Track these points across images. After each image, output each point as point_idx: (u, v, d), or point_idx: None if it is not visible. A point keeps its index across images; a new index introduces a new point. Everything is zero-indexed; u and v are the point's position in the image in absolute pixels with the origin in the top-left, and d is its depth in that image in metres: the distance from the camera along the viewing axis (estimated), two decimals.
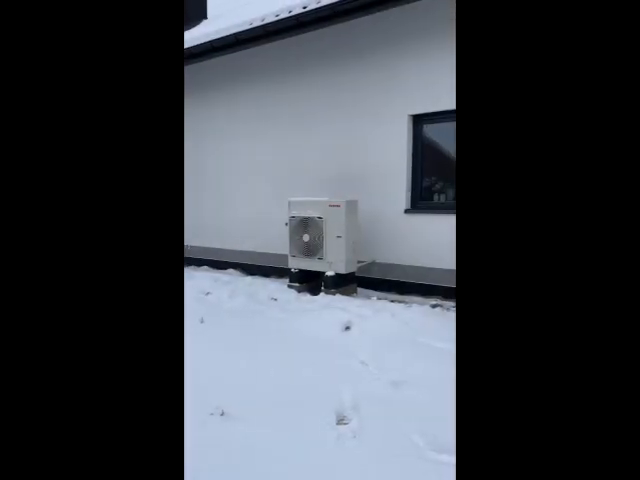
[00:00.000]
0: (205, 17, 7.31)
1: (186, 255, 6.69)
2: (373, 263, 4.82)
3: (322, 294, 4.32)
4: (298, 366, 2.54)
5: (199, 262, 6.48)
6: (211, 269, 6.19)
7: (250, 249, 5.93)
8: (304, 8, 4.54)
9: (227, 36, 5.16)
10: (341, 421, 1.96)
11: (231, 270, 6.00)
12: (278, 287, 4.74)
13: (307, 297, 4.32)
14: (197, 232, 6.52)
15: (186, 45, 5.56)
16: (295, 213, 4.63)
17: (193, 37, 5.64)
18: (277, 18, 4.73)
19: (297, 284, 4.65)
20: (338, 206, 4.36)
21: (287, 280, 4.82)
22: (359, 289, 4.68)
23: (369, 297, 4.34)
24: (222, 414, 1.96)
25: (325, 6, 4.38)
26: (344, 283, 4.44)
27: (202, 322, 3.39)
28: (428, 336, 3.00)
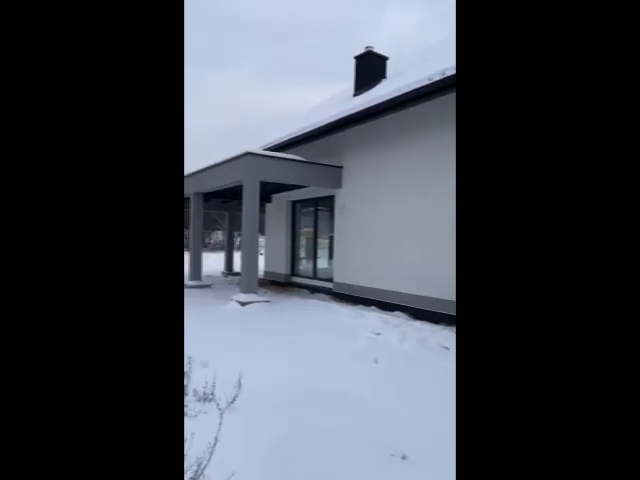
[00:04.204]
0: (384, 77, 8.00)
1: (354, 294, 7.12)
2: None
3: None
4: None
5: (367, 302, 6.79)
6: (379, 310, 6.42)
7: (418, 293, 5.96)
8: None
9: (408, 92, 5.56)
10: None
11: (398, 312, 6.10)
12: (449, 335, 4.62)
13: None
14: (365, 273, 6.89)
15: (365, 106, 6.21)
16: None
17: (376, 97, 6.24)
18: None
19: None
20: None
21: None
22: None
23: None
24: (403, 457, 2.03)
25: None
26: None
27: (376, 362, 3.57)
28: None
